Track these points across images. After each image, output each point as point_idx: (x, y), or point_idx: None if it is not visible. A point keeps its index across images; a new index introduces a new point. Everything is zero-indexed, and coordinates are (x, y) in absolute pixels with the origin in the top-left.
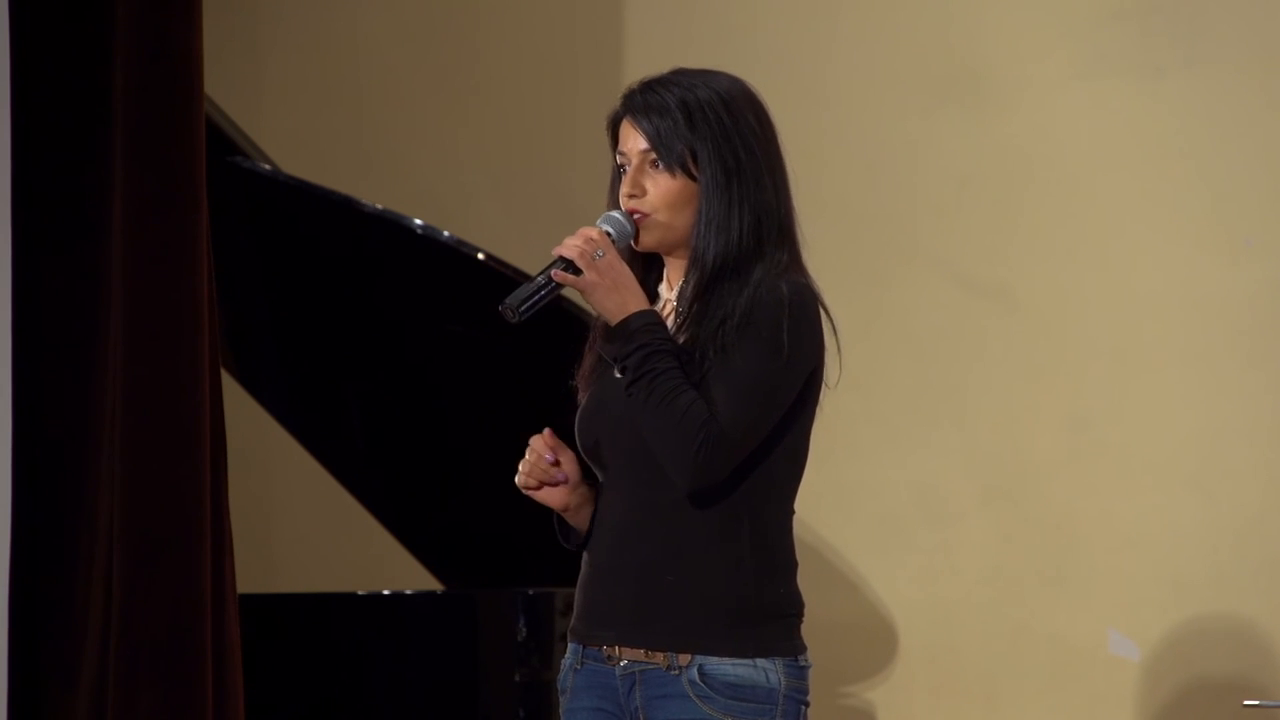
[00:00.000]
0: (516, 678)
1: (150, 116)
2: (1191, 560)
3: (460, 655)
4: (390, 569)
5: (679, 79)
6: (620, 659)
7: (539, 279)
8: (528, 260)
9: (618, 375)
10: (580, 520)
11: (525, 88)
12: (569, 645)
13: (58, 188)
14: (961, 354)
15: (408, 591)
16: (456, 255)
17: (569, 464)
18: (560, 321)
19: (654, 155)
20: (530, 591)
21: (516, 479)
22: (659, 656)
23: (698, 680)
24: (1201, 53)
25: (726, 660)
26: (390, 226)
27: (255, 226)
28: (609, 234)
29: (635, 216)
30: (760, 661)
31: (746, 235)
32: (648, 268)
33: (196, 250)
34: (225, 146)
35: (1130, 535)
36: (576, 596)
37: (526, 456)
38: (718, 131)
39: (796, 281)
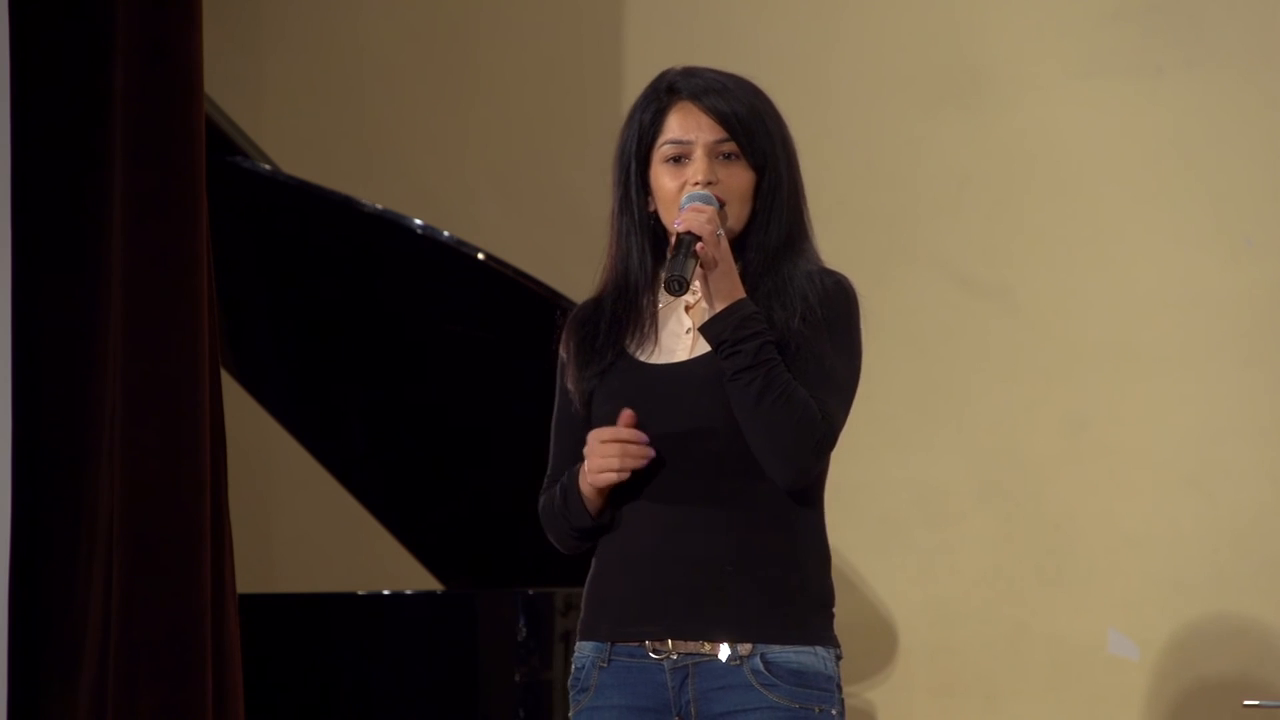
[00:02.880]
0: (516, 678)
1: (150, 116)
2: (1191, 560)
3: (460, 655)
4: (390, 569)
5: (729, 79)
6: (670, 653)
7: (683, 252)
8: (528, 260)
9: (721, 359)
10: (598, 505)
11: (526, 88)
12: (587, 644)
13: (58, 188)
14: (962, 354)
15: (408, 591)
16: (456, 255)
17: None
18: (559, 321)
19: (731, 146)
20: (530, 591)
21: (611, 475)
22: (717, 647)
23: (761, 669)
24: (1201, 53)
25: (789, 648)
26: (390, 226)
27: (255, 226)
28: None
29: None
30: (819, 649)
31: (794, 227)
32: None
33: (196, 250)
34: (225, 146)
35: (1130, 535)
36: (601, 591)
37: (610, 447)
38: (778, 130)
39: (844, 276)
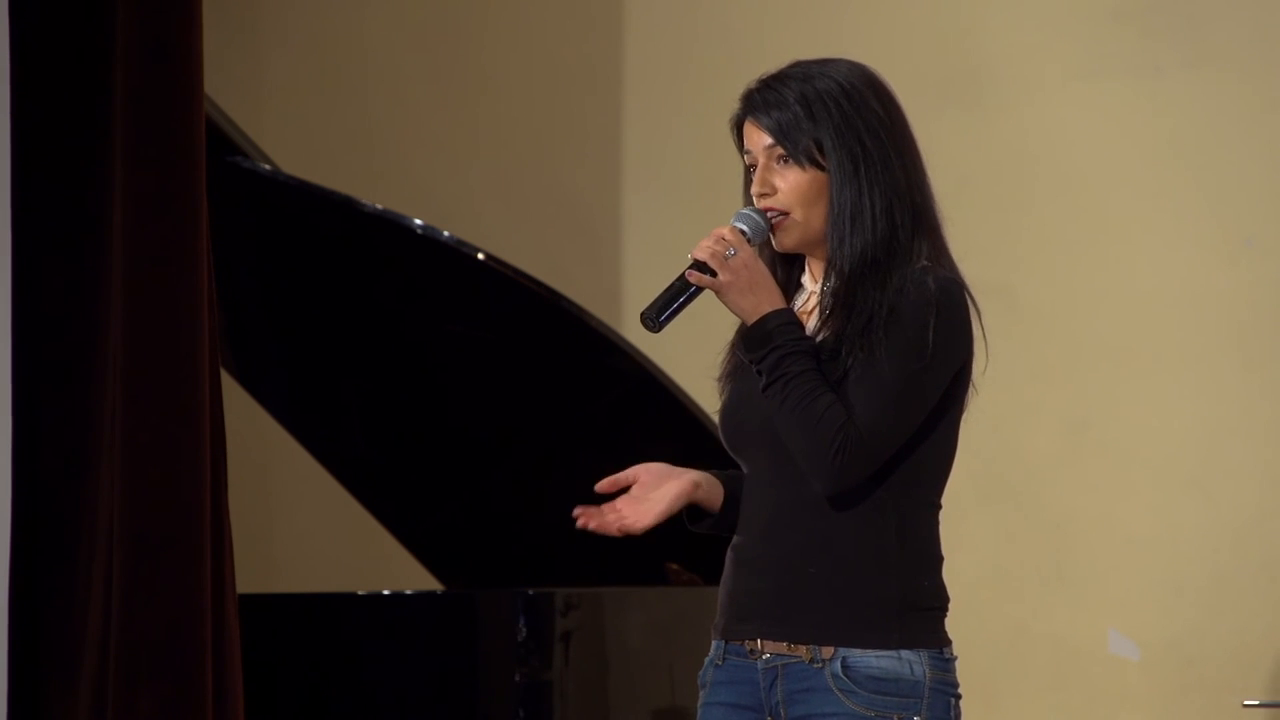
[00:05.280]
0: (516, 678)
1: (150, 116)
2: (1191, 560)
3: (460, 655)
4: (390, 569)
5: (796, 71)
6: (762, 653)
7: (675, 284)
8: (528, 260)
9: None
10: (713, 503)
11: (527, 88)
12: (714, 642)
13: (58, 187)
14: None
15: (408, 591)
16: (456, 255)
17: (642, 475)
18: (559, 322)
19: (780, 150)
20: (530, 591)
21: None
22: (801, 649)
23: (840, 674)
24: (1201, 53)
25: (870, 652)
26: (390, 226)
27: (255, 226)
28: (743, 231)
29: (771, 216)
30: (904, 653)
31: (880, 220)
32: (791, 261)
33: (196, 250)
34: (225, 146)
35: (1130, 535)
36: (720, 593)
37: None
38: (839, 120)
39: (942, 276)
